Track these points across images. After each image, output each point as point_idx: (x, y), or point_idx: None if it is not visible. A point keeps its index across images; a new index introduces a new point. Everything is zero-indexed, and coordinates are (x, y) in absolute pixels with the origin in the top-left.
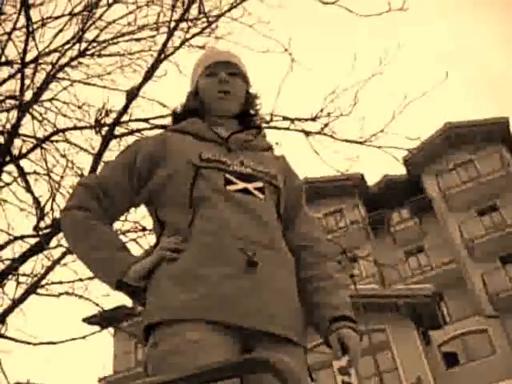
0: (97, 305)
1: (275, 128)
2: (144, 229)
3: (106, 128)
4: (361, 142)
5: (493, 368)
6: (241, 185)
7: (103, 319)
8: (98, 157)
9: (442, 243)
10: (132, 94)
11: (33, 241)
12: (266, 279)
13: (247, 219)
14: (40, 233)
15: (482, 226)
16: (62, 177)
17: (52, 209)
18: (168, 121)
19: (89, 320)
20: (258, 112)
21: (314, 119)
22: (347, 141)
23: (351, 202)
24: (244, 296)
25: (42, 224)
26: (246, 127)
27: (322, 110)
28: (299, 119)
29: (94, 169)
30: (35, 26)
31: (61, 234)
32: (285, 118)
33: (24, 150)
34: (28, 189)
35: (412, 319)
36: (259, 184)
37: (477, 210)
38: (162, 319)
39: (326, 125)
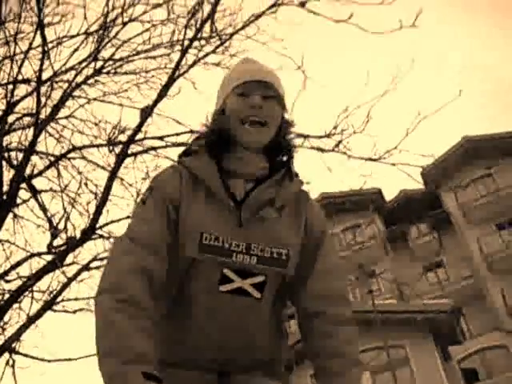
0: None
1: None
2: None
3: (120, 146)
4: (375, 159)
5: None
6: (237, 283)
7: None
8: (112, 174)
9: (460, 258)
10: (146, 112)
11: (49, 258)
12: None
13: (231, 328)
14: (54, 250)
15: (501, 240)
16: (77, 194)
17: (66, 227)
18: (183, 138)
19: None
20: (290, 144)
21: (328, 136)
22: (361, 158)
23: (369, 217)
24: None
25: (59, 241)
26: (271, 170)
27: (335, 128)
28: (313, 136)
29: (108, 187)
30: (51, 45)
31: (76, 252)
32: (299, 135)
33: (41, 168)
34: (41, 207)
35: (431, 335)
36: (260, 279)
37: (496, 224)
38: None
39: (340, 142)
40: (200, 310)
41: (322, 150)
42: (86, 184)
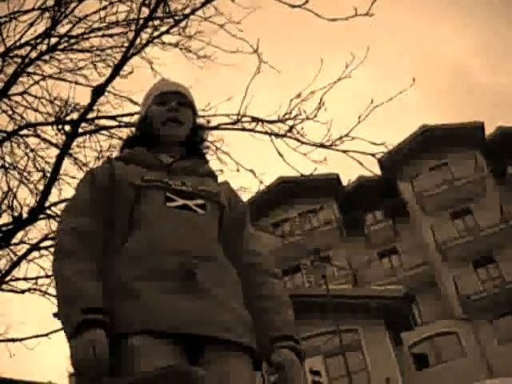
0: None
1: (242, 129)
2: None
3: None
4: (327, 146)
5: (462, 370)
6: (181, 201)
7: None
8: (62, 152)
9: (415, 245)
10: (98, 91)
11: None
12: (206, 289)
13: (185, 232)
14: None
15: (455, 229)
16: (25, 170)
17: (12, 205)
18: (136, 118)
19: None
20: (203, 141)
21: (281, 121)
22: (313, 144)
23: (326, 202)
24: (185, 306)
25: (6, 220)
26: (191, 154)
27: (290, 113)
28: (266, 121)
29: (57, 164)
30: (3, 20)
31: (27, 230)
32: (253, 119)
33: None
34: None
35: (383, 320)
36: (200, 201)
37: (450, 213)
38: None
39: (292, 127)
40: (153, 220)
41: (275, 135)
42: (34, 161)
